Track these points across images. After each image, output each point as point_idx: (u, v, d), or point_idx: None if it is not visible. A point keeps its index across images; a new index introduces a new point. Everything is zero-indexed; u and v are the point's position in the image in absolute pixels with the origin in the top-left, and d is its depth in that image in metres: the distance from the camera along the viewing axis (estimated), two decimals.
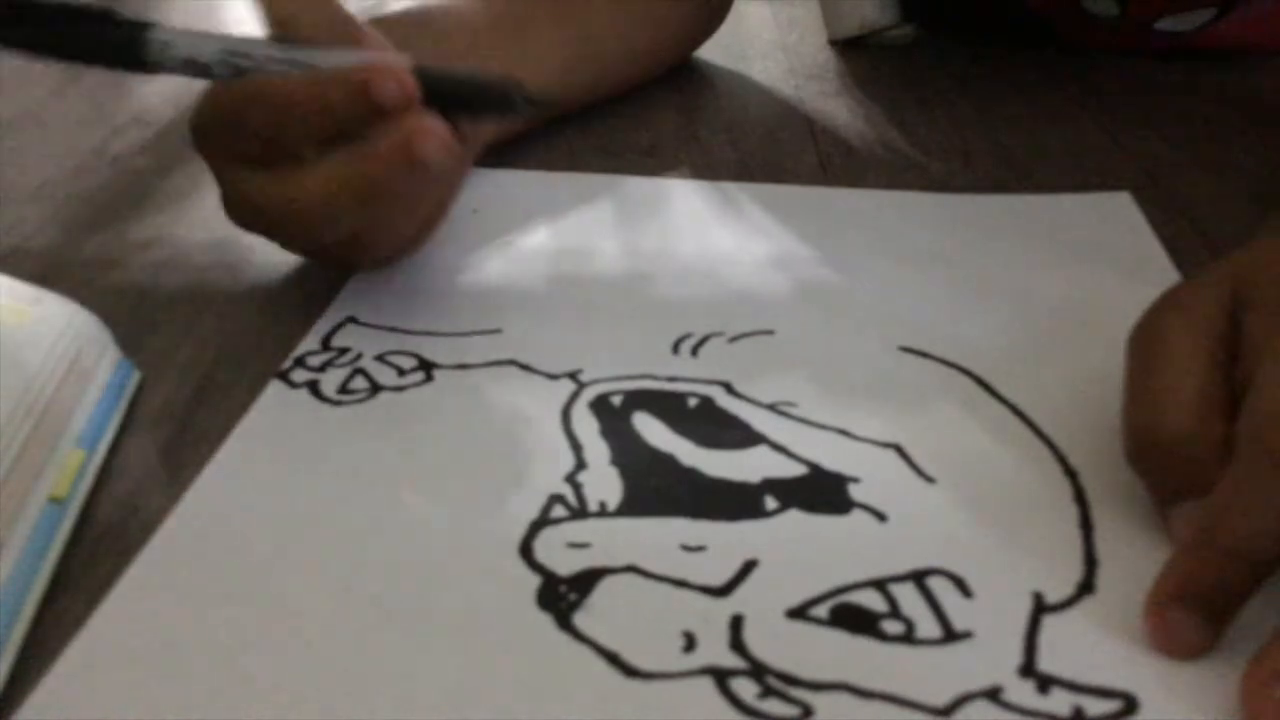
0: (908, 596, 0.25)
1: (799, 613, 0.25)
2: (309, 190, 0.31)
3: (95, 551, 0.27)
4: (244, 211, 0.34)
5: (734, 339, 0.35)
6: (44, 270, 0.39)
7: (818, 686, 0.23)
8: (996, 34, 0.59)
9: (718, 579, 0.26)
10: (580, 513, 0.28)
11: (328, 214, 0.32)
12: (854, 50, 0.61)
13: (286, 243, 0.36)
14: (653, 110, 0.53)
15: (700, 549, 0.27)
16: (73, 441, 0.29)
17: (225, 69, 0.31)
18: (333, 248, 0.34)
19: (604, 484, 0.29)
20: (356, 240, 0.34)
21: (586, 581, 0.26)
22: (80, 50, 0.32)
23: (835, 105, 0.54)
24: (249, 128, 0.32)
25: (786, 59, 0.60)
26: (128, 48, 0.31)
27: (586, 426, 0.31)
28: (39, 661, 0.24)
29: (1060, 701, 0.23)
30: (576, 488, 0.29)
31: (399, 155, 0.30)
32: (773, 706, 0.23)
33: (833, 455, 0.30)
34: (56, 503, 0.27)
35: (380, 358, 0.34)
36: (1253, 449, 0.24)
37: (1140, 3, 0.54)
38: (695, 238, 0.41)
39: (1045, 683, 0.23)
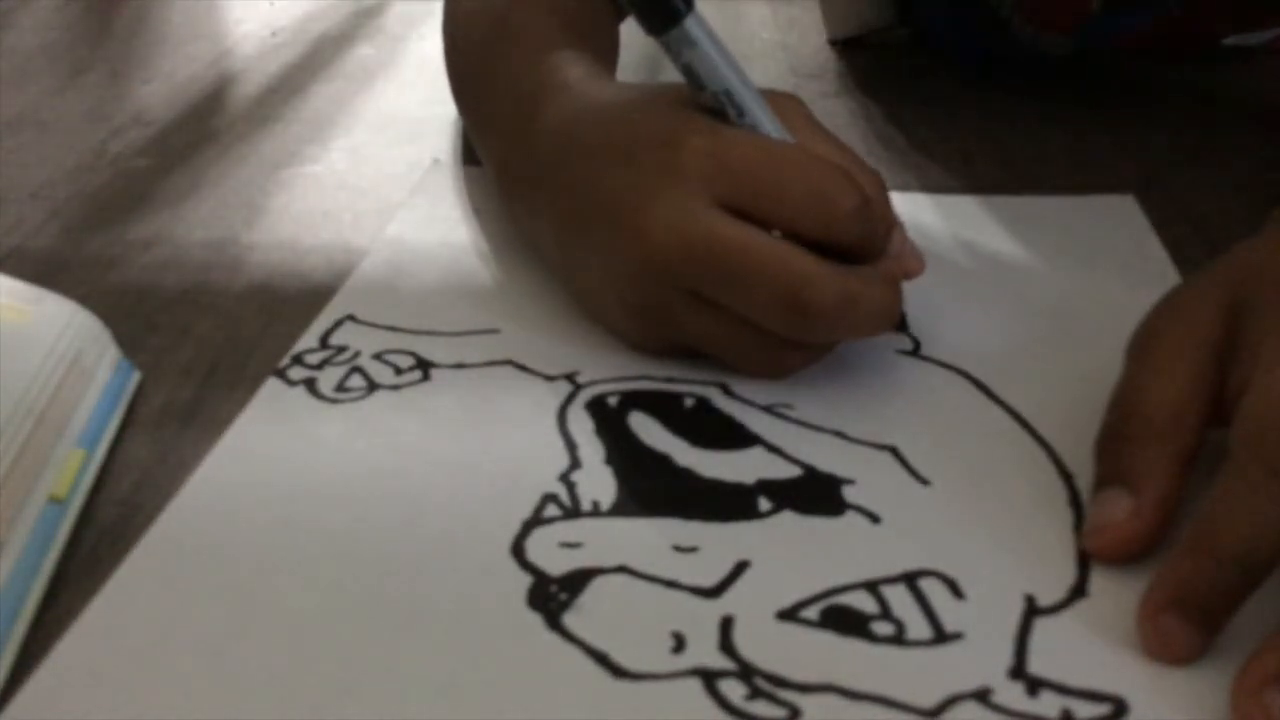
0: (899, 598, 0.25)
1: (789, 614, 0.25)
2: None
3: (95, 551, 0.27)
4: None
5: None
6: (44, 270, 0.39)
7: (806, 688, 0.23)
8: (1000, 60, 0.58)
9: (709, 580, 0.26)
10: (573, 512, 0.28)
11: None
12: (854, 50, 0.61)
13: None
14: None
15: (693, 550, 0.27)
16: (73, 441, 0.29)
17: (713, 101, 0.31)
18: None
19: (598, 483, 0.29)
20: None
21: (577, 581, 0.26)
22: None
23: (835, 105, 0.54)
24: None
25: (786, 59, 0.60)
26: (657, 13, 0.30)
27: (582, 426, 0.31)
28: (39, 661, 0.24)
29: (1049, 704, 0.23)
30: (570, 487, 0.29)
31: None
32: (760, 708, 0.23)
33: (828, 457, 0.30)
34: (56, 503, 0.27)
35: (378, 356, 0.34)
36: (1246, 454, 0.24)
37: (1204, 21, 0.53)
38: None
39: (1035, 685, 0.23)
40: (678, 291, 0.31)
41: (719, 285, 0.30)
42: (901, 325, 0.35)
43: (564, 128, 0.34)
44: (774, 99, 0.33)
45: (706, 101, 0.32)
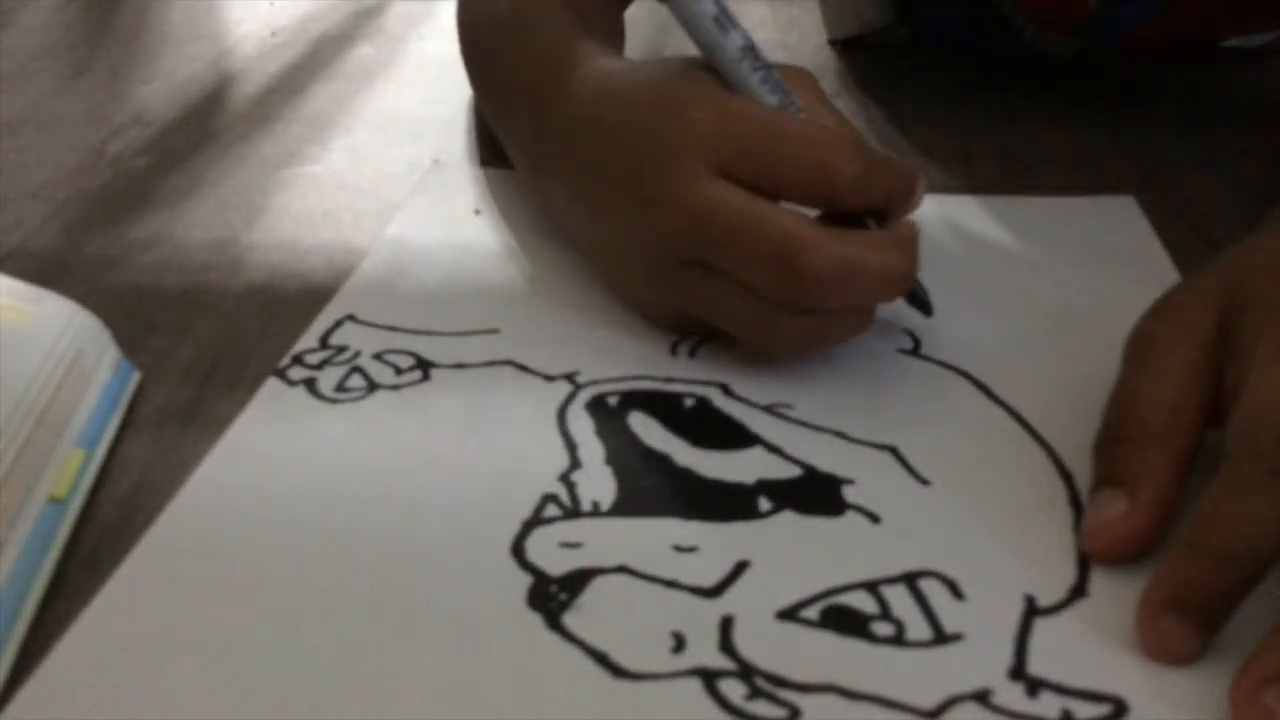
0: (899, 598, 0.25)
1: (789, 614, 0.25)
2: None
3: (95, 551, 0.27)
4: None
5: (732, 340, 0.35)
6: (44, 270, 0.39)
7: (806, 688, 0.23)
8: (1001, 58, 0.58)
9: (709, 580, 0.26)
10: (573, 512, 0.28)
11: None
12: (854, 50, 0.61)
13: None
14: None
15: (692, 549, 0.27)
16: (73, 441, 0.29)
17: (737, 55, 0.31)
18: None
19: (598, 483, 0.29)
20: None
21: (577, 581, 0.26)
22: None
23: (835, 105, 0.54)
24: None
25: (786, 59, 0.60)
26: None
27: (582, 426, 0.31)
28: (39, 661, 0.24)
29: (1049, 705, 0.23)
30: (570, 487, 0.29)
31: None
32: (760, 708, 0.23)
33: (828, 457, 0.30)
34: (56, 503, 0.27)
35: (378, 356, 0.34)
36: (1242, 453, 0.24)
37: (1200, 24, 0.53)
38: None
39: (1035, 686, 0.23)
40: (685, 261, 0.31)
41: (718, 251, 0.31)
42: (923, 306, 0.34)
43: (579, 107, 0.35)
44: (785, 73, 0.33)
45: (728, 57, 0.31)
